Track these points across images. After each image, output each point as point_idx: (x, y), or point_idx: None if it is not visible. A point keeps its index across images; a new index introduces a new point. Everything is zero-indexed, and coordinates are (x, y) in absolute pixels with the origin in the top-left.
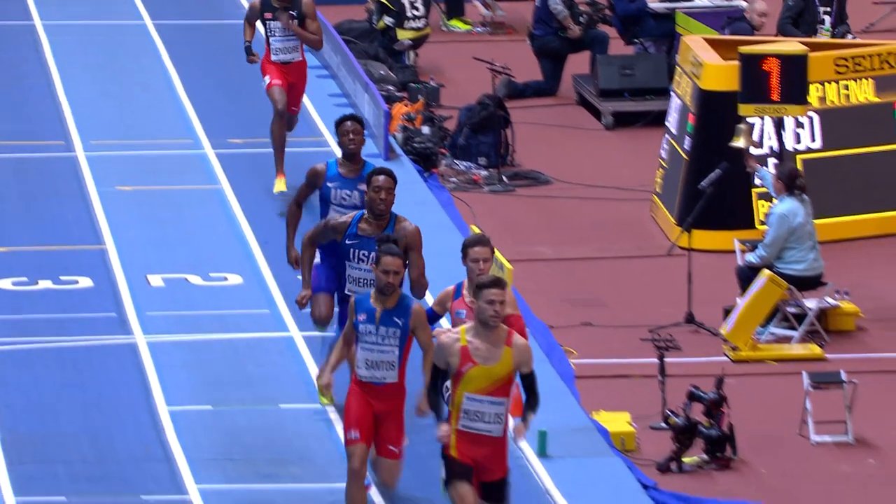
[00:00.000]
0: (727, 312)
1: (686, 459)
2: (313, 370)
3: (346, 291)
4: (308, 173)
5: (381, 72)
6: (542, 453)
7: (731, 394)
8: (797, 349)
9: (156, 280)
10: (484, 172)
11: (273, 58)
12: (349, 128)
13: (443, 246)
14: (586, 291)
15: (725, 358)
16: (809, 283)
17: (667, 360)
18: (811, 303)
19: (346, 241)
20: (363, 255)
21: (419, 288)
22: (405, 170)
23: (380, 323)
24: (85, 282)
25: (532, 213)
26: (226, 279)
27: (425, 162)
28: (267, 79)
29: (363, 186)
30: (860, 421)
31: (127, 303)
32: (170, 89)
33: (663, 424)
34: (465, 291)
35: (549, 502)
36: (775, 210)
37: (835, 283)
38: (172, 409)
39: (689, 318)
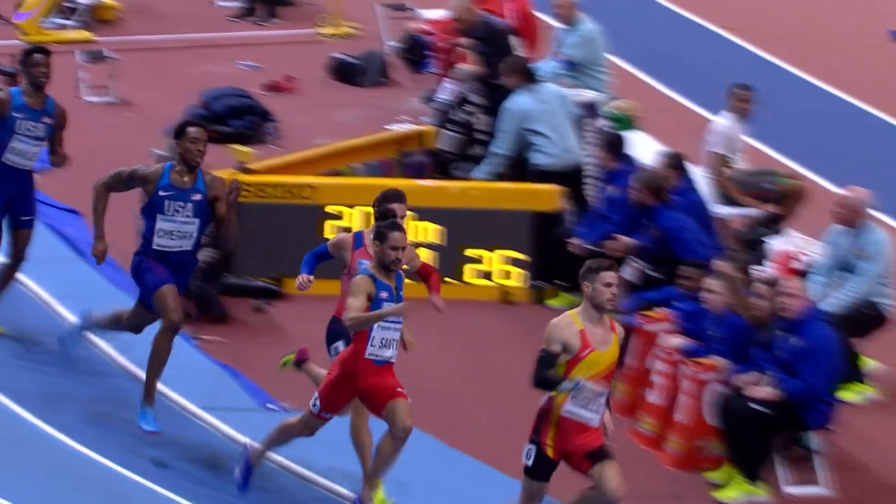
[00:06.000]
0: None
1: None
2: None
3: (155, 246)
4: None
5: None
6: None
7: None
8: (73, 34)
9: None
10: None
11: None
12: (40, 60)
13: None
14: None
15: (18, 41)
16: None
17: None
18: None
19: (160, 192)
20: (178, 206)
21: (231, 237)
22: None
23: (397, 301)
24: None
25: None
26: None
27: None
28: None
29: (48, 120)
30: (120, 87)
31: None
32: None
33: None
34: (366, 241)
35: None
36: None
37: None
38: None
39: None
